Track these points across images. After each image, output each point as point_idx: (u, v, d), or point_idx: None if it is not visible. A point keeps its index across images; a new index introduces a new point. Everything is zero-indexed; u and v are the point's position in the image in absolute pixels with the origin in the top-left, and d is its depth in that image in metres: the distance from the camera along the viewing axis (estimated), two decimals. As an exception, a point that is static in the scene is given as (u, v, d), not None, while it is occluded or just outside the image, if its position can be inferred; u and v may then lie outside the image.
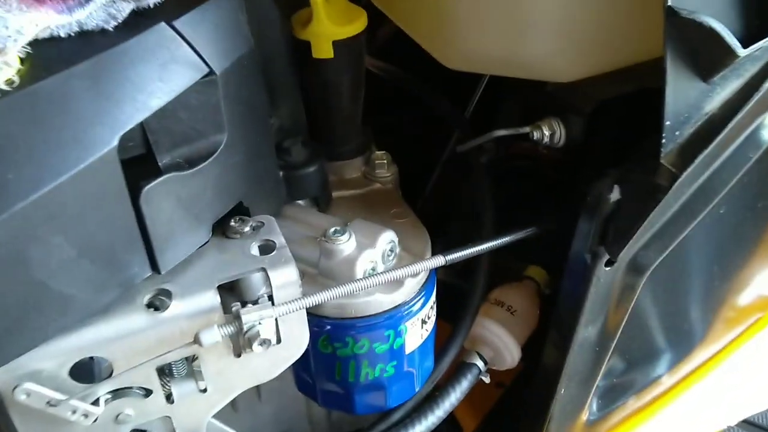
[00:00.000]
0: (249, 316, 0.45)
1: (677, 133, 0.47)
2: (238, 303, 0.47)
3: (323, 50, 0.55)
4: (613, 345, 0.64)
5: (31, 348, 0.42)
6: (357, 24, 0.56)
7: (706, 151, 0.47)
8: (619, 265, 0.57)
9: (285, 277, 0.48)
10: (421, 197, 0.81)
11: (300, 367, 0.59)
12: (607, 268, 0.56)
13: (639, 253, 0.57)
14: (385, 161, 0.63)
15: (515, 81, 0.58)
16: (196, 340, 0.45)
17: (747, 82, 0.47)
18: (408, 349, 0.57)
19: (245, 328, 0.45)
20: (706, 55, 0.45)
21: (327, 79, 0.58)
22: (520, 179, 0.78)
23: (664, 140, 0.47)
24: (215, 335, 0.45)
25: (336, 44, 0.55)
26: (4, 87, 0.39)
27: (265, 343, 0.46)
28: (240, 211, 0.52)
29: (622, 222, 0.53)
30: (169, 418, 0.50)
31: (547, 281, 0.71)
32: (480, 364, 0.65)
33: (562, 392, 0.64)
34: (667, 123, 0.46)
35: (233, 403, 0.57)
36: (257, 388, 0.70)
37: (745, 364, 0.85)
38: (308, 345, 0.52)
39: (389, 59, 0.80)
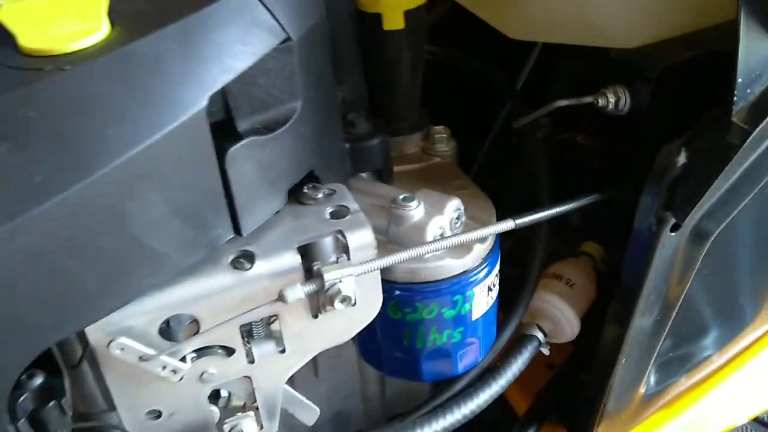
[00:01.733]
0: (331, 273, 0.46)
1: (748, 90, 0.48)
2: (318, 262, 0.48)
3: (395, 21, 0.57)
4: (673, 316, 0.65)
5: (125, 303, 0.43)
6: (421, -4, 0.57)
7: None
8: (684, 230, 0.57)
9: (361, 238, 0.49)
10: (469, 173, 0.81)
11: (367, 335, 0.59)
12: (673, 234, 0.57)
13: (702, 220, 0.58)
14: (445, 135, 0.64)
15: (570, 51, 0.59)
16: (281, 297, 0.46)
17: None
18: (474, 316, 0.57)
19: (326, 286, 0.46)
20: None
21: (395, 51, 0.59)
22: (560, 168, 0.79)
23: (735, 98, 0.48)
24: (298, 292, 0.46)
25: (407, 14, 0.56)
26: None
27: (346, 300, 0.47)
28: (311, 179, 0.54)
29: (690, 185, 0.53)
30: (249, 379, 0.51)
31: (602, 256, 0.72)
32: (540, 335, 0.66)
33: (623, 362, 0.64)
34: (740, 80, 0.47)
35: (291, 381, 0.58)
36: (314, 365, 0.71)
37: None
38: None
39: (437, 42, 0.82)
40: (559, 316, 0.66)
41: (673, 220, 0.55)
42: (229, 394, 0.54)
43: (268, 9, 0.46)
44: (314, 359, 0.61)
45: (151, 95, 0.41)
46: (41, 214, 0.37)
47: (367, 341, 0.61)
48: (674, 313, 0.64)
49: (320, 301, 0.48)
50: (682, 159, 0.53)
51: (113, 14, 0.43)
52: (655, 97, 0.56)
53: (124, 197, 0.40)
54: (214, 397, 0.53)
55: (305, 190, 0.52)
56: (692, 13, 0.51)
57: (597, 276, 0.70)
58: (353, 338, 0.55)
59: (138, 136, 0.40)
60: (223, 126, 0.47)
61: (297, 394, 0.57)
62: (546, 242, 0.66)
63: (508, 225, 0.53)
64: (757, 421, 0.79)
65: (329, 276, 0.46)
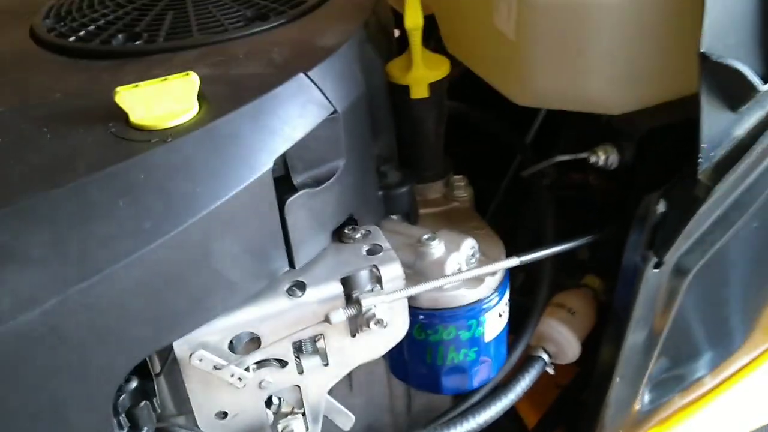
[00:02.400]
0: (367, 300, 0.57)
1: (711, 154, 0.58)
2: (357, 291, 0.59)
3: (421, 91, 0.68)
4: (661, 342, 0.74)
5: (204, 323, 0.55)
6: (444, 68, 0.69)
7: (736, 169, 0.58)
8: (665, 268, 0.67)
9: (392, 272, 0.60)
10: (485, 216, 0.92)
11: (397, 354, 0.70)
12: (655, 270, 0.67)
13: (682, 258, 0.68)
14: (463, 184, 0.75)
15: (570, 114, 0.69)
16: (326, 319, 0.57)
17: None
18: (487, 338, 0.68)
19: (364, 310, 0.57)
20: (733, 91, 0.56)
21: (421, 115, 0.70)
22: (573, 205, 0.89)
23: (700, 160, 0.58)
24: (341, 315, 0.57)
25: (431, 85, 0.68)
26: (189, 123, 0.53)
27: (380, 323, 0.58)
28: (351, 222, 0.65)
29: (667, 229, 0.63)
30: (298, 388, 0.62)
31: (602, 288, 0.81)
32: (545, 356, 0.75)
33: (617, 381, 0.74)
34: (703, 146, 0.57)
35: (330, 393, 0.68)
36: (349, 380, 0.82)
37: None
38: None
39: (459, 98, 0.93)
40: (562, 339, 0.75)
41: (654, 259, 0.65)
42: (280, 400, 0.64)
43: (319, 89, 0.58)
44: (349, 375, 0.71)
45: (231, 161, 0.53)
46: (149, 252, 0.49)
47: (396, 359, 0.72)
48: (662, 338, 0.74)
49: (358, 323, 0.59)
50: (660, 207, 0.64)
51: (201, 97, 0.55)
52: (638, 155, 0.67)
53: (209, 239, 0.52)
54: (268, 402, 0.64)
55: (346, 231, 0.63)
56: (669, 86, 0.62)
57: (597, 305, 0.80)
58: (384, 356, 0.65)
59: (220, 193, 0.52)
60: (282, 180, 0.58)
61: (336, 402, 0.67)
62: (550, 276, 0.76)
63: (513, 262, 0.64)
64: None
65: (366, 302, 0.57)
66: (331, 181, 0.60)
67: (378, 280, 0.60)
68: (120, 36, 0.67)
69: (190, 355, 0.55)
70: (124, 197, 0.49)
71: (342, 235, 0.63)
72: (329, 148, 0.60)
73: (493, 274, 0.66)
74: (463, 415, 0.70)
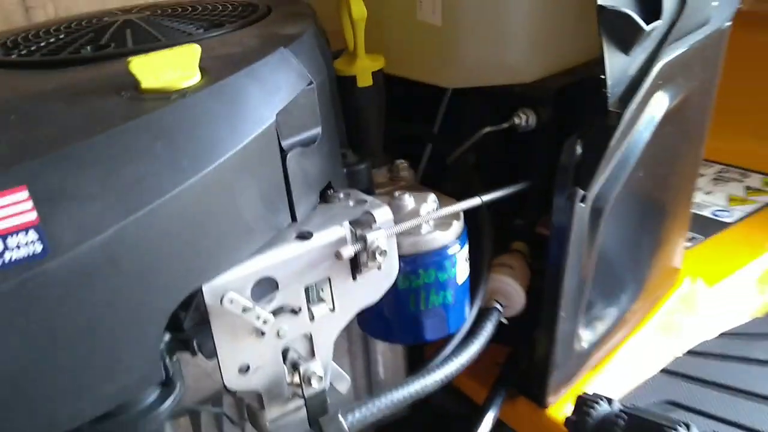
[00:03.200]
0: (371, 234, 0.64)
1: (616, 89, 0.74)
2: (360, 230, 0.65)
3: (366, 80, 0.78)
4: (590, 278, 0.86)
5: (232, 265, 0.58)
6: (381, 60, 0.80)
7: (635, 98, 0.74)
8: (587, 204, 0.80)
9: (384, 214, 0.67)
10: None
11: (378, 316, 0.76)
12: (582, 204, 0.80)
13: (598, 196, 0.82)
14: (406, 164, 0.85)
15: (477, 95, 0.83)
16: (338, 255, 0.62)
17: (649, 54, 0.75)
18: (459, 280, 0.76)
19: (369, 243, 0.64)
20: (625, 34, 0.72)
21: (366, 102, 0.80)
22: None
23: (609, 94, 0.73)
24: (350, 250, 0.63)
25: (374, 74, 0.78)
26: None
27: (383, 253, 0.64)
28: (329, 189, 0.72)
29: (588, 163, 0.77)
30: (310, 337, 0.66)
31: (529, 252, 0.93)
32: (498, 306, 0.85)
33: (562, 315, 0.84)
34: (610, 83, 0.72)
35: None
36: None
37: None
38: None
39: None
40: (510, 290, 0.85)
41: (581, 192, 0.78)
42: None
43: (298, 61, 0.67)
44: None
45: (243, 112, 0.59)
46: (189, 188, 0.53)
47: (376, 320, 0.77)
48: (590, 275, 0.86)
49: (361, 260, 0.65)
50: (579, 148, 0.78)
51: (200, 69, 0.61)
52: (555, 112, 0.81)
53: (233, 181, 0.57)
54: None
55: (329, 193, 0.70)
56: (573, 53, 0.77)
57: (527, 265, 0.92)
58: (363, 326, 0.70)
59: (239, 138, 0.57)
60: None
61: (335, 364, 0.71)
62: (491, 240, 0.86)
63: (476, 201, 0.74)
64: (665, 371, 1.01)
65: (371, 236, 0.64)
66: (315, 144, 0.67)
67: (370, 225, 0.67)
68: (88, 47, 0.71)
69: (221, 300, 0.58)
70: (160, 140, 0.53)
71: (326, 197, 0.70)
72: (308, 116, 0.67)
73: (458, 218, 0.75)
74: (441, 364, 0.76)
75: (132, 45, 0.71)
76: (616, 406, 0.75)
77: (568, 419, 0.76)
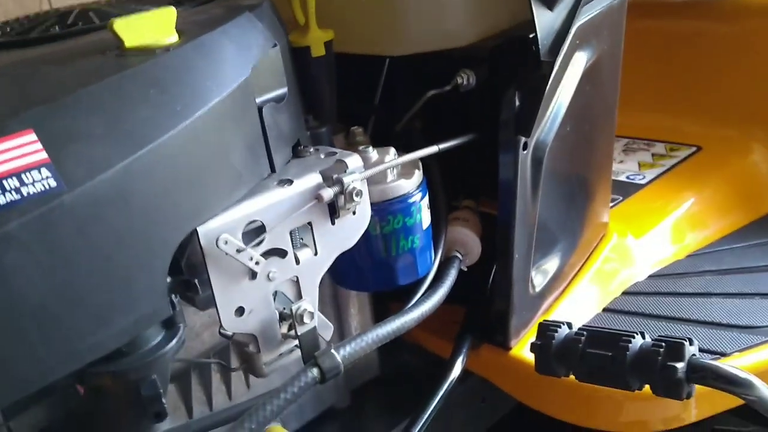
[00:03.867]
0: (347, 178, 0.69)
1: (545, 42, 0.82)
2: (336, 174, 0.70)
3: (319, 50, 0.83)
4: (536, 223, 0.94)
5: (224, 207, 0.62)
6: (331, 32, 0.85)
7: (562, 48, 0.82)
8: (529, 152, 0.88)
9: (355, 161, 0.72)
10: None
11: (352, 267, 0.80)
12: (524, 152, 0.87)
13: (537, 145, 0.90)
14: (361, 130, 0.90)
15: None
16: (318, 198, 0.67)
17: (569, 10, 0.84)
18: (424, 226, 0.82)
19: (345, 186, 0.68)
20: (548, -8, 0.81)
21: (320, 72, 0.85)
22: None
23: (540, 47, 0.81)
24: (329, 192, 0.67)
25: (326, 44, 0.83)
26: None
27: (359, 194, 0.69)
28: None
29: (526, 111, 0.85)
30: (297, 281, 0.70)
31: (476, 205, 1.00)
32: (459, 255, 0.91)
33: (516, 257, 0.91)
34: (540, 35, 0.81)
35: None
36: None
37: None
38: (361, 236, 0.76)
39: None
40: (467, 239, 0.92)
41: (522, 139, 0.86)
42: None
43: (263, 26, 0.71)
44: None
45: (223, 65, 0.63)
46: (185, 129, 0.57)
47: (351, 269, 0.82)
48: (536, 220, 0.94)
49: (339, 203, 0.69)
50: (517, 99, 0.86)
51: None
52: (490, 71, 0.89)
53: (222, 124, 0.61)
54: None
55: (299, 149, 0.75)
56: (504, 17, 0.86)
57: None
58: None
59: (223, 88, 0.61)
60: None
61: (319, 313, 0.75)
62: (445, 196, 0.93)
63: (432, 149, 0.80)
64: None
65: (347, 179, 0.68)
66: (284, 101, 0.72)
67: (343, 171, 0.71)
68: (56, 27, 0.73)
69: (216, 241, 0.61)
70: (153, 88, 0.57)
71: (298, 152, 0.74)
72: (276, 76, 0.72)
73: (419, 168, 0.81)
74: (411, 308, 0.81)
75: (98, 22, 0.74)
76: (575, 328, 0.82)
77: (533, 344, 0.83)
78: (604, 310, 1.09)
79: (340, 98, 1.00)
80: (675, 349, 0.72)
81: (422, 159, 0.93)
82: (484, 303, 0.99)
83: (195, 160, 0.58)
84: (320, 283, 0.72)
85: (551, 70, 0.82)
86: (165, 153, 0.55)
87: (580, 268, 1.15)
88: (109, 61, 0.59)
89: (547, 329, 0.83)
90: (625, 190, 1.45)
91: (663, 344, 0.73)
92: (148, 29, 0.62)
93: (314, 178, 0.69)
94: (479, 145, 0.91)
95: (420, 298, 0.82)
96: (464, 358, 0.93)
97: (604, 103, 1.10)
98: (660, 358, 0.73)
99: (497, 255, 0.93)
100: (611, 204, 1.38)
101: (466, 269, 0.93)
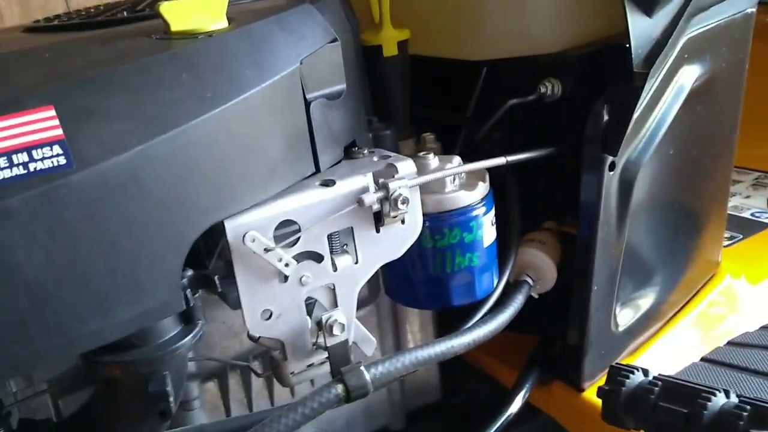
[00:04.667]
0: (393, 183, 0.63)
1: (639, 51, 0.73)
2: (383, 179, 0.65)
3: (391, 49, 0.79)
4: (623, 253, 0.84)
5: (252, 202, 0.58)
6: (407, 31, 0.81)
7: (662, 60, 0.73)
8: (616, 172, 0.79)
9: (407, 167, 0.67)
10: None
11: (403, 279, 0.75)
12: (611, 173, 0.78)
13: (627, 166, 0.80)
14: (433, 138, 0.85)
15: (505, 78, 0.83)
16: (360, 202, 0.62)
17: (673, 17, 0.75)
18: (485, 243, 0.75)
19: (391, 192, 0.63)
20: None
21: (392, 72, 0.80)
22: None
23: (633, 57, 0.73)
24: (372, 197, 0.63)
25: (399, 44, 0.79)
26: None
27: (406, 202, 0.64)
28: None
29: (615, 129, 0.76)
30: (333, 288, 0.65)
31: (558, 229, 0.91)
32: (529, 280, 0.83)
33: (595, 289, 0.82)
34: (634, 44, 0.72)
35: None
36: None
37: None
38: (414, 246, 0.70)
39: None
40: (540, 263, 0.84)
41: (609, 159, 0.77)
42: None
43: (323, 17, 0.68)
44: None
45: (267, 55, 0.60)
46: (212, 117, 0.54)
47: (403, 283, 0.77)
48: (623, 249, 0.84)
49: (384, 210, 0.64)
50: (605, 114, 0.77)
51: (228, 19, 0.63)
52: (578, 82, 0.81)
53: (256, 118, 0.58)
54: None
55: (353, 150, 0.70)
56: (597, 25, 0.78)
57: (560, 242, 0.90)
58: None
59: (263, 77, 0.58)
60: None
61: (361, 325, 0.70)
62: (519, 212, 0.85)
63: (500, 161, 0.73)
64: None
65: (393, 185, 0.63)
66: (340, 99, 0.68)
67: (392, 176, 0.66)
68: (124, 12, 0.74)
69: (244, 236, 0.58)
70: (186, 72, 0.55)
71: (351, 153, 0.70)
72: (333, 71, 0.68)
73: (483, 180, 0.75)
74: (470, 328, 0.74)
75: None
76: (651, 375, 0.72)
77: (600, 388, 0.74)
78: (703, 359, 0.97)
79: (430, 105, 0.95)
80: (762, 414, 0.61)
81: (498, 173, 0.87)
82: (560, 335, 0.91)
83: (222, 151, 0.55)
84: (380, 295, 0.67)
85: (644, 83, 0.73)
86: (188, 140, 0.53)
87: (680, 309, 1.03)
88: (150, 43, 0.58)
89: (618, 374, 0.73)
90: (748, 228, 1.30)
91: (748, 407, 0.62)
92: (196, 14, 0.60)
93: (359, 181, 0.64)
94: (565, 160, 0.83)
95: (476, 322, 0.75)
96: (527, 393, 0.85)
97: (718, 126, 0.98)
98: (742, 423, 0.62)
99: (574, 283, 0.84)
100: (727, 242, 1.24)
101: (537, 296, 0.84)
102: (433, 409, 0.98)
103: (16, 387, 0.68)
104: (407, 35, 0.81)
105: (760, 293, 1.10)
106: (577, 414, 0.88)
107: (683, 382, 0.69)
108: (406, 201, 0.64)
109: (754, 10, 0.93)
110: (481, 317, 0.78)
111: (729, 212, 1.12)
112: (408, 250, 0.73)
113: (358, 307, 0.86)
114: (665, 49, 0.74)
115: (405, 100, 0.84)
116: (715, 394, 0.65)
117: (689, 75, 0.84)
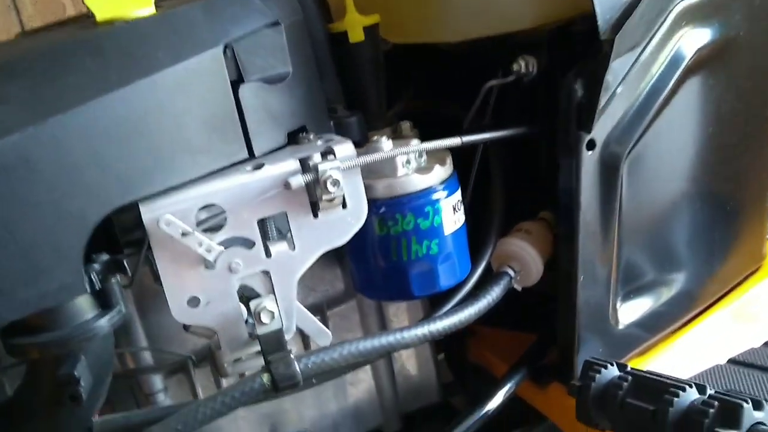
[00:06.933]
0: (323, 165, 0.61)
1: (608, 17, 0.67)
2: (312, 157, 0.63)
3: (357, 35, 0.77)
4: (616, 239, 0.77)
5: (170, 184, 0.58)
6: (375, 16, 0.78)
7: (630, 22, 0.67)
8: (597, 150, 0.72)
9: (345, 150, 0.64)
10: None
11: (362, 268, 0.72)
12: (589, 153, 0.72)
13: (609, 144, 0.73)
14: (409, 124, 0.81)
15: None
16: (286, 185, 0.60)
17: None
18: (446, 231, 0.71)
19: (320, 174, 0.61)
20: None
21: (360, 59, 0.78)
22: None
23: (599, 23, 0.67)
24: (299, 179, 0.61)
25: (365, 29, 0.77)
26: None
27: (336, 184, 0.61)
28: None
29: (588, 101, 0.70)
30: (269, 275, 0.64)
31: (554, 221, 0.85)
32: (511, 272, 0.78)
33: (582, 279, 0.75)
34: (598, 9, 0.66)
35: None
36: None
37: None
38: (368, 234, 0.68)
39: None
40: (523, 254, 0.78)
41: (586, 136, 0.71)
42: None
43: (260, 2, 0.67)
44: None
45: (185, 38, 0.60)
46: (116, 97, 0.54)
47: (364, 275, 0.74)
48: (615, 234, 0.77)
49: (317, 195, 0.62)
50: (578, 85, 0.71)
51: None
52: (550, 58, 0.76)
53: (170, 97, 0.57)
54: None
55: (301, 135, 0.68)
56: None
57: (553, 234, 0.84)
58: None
59: (177, 57, 0.58)
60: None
61: (314, 319, 0.68)
62: (502, 200, 0.80)
63: (455, 141, 0.69)
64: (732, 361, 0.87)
65: (322, 167, 0.61)
66: (283, 83, 0.66)
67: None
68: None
69: (158, 221, 0.58)
70: (91, 57, 0.55)
71: (299, 139, 0.68)
72: (275, 56, 0.67)
73: (442, 163, 0.71)
74: (434, 319, 0.70)
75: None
76: (627, 369, 0.65)
77: (570, 384, 0.67)
78: (730, 361, 0.87)
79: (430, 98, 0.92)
80: (729, 410, 0.53)
81: (484, 156, 0.82)
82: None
83: (127, 132, 0.55)
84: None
85: (611, 48, 0.67)
86: (86, 122, 0.53)
87: (711, 305, 0.93)
88: (71, 33, 0.59)
89: (590, 368, 0.67)
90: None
91: (716, 402, 0.55)
92: (120, 2, 0.61)
93: (290, 164, 0.63)
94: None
95: (440, 314, 0.71)
96: (509, 391, 0.79)
97: (743, 102, 0.88)
98: (707, 420, 0.54)
99: (559, 277, 0.78)
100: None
101: (520, 289, 0.79)
102: (434, 411, 0.94)
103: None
104: (375, 20, 0.78)
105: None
106: (571, 415, 0.81)
107: (655, 376, 0.61)
108: (336, 183, 0.61)
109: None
110: (450, 308, 0.73)
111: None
112: (365, 239, 0.71)
113: (338, 303, 0.85)
114: (638, 14, 0.67)
115: (378, 88, 0.81)
116: (684, 389, 0.58)
117: (689, 44, 0.76)
